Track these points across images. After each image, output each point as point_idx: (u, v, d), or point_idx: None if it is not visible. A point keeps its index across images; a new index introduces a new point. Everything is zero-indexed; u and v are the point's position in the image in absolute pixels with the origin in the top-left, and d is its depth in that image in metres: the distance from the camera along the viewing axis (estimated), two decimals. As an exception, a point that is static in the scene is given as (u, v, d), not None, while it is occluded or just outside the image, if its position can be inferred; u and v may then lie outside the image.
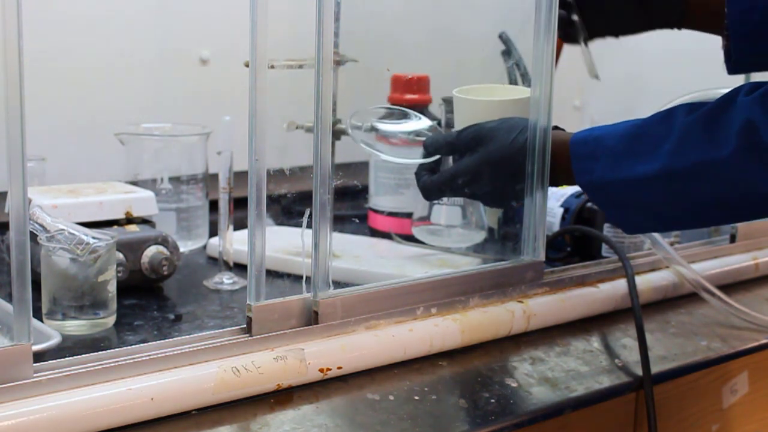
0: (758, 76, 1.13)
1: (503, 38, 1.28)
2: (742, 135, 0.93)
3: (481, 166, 1.08)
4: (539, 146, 1.09)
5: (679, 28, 1.15)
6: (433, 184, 1.12)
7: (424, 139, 1.15)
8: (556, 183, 1.12)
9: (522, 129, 1.08)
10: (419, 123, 1.20)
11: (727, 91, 0.98)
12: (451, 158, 1.14)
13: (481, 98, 1.16)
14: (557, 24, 1.08)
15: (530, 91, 1.11)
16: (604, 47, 1.28)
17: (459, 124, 1.15)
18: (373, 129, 1.19)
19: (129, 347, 0.87)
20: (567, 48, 1.28)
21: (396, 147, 1.19)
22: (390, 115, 1.22)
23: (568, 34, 1.23)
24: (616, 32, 1.21)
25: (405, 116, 1.21)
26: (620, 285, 1.19)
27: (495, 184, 1.10)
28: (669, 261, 1.24)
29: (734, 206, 1.00)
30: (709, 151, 0.96)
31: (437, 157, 1.14)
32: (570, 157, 1.06)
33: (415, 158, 1.15)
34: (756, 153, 0.93)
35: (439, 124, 1.25)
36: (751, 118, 0.93)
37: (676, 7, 1.13)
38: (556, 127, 1.11)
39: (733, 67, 1.09)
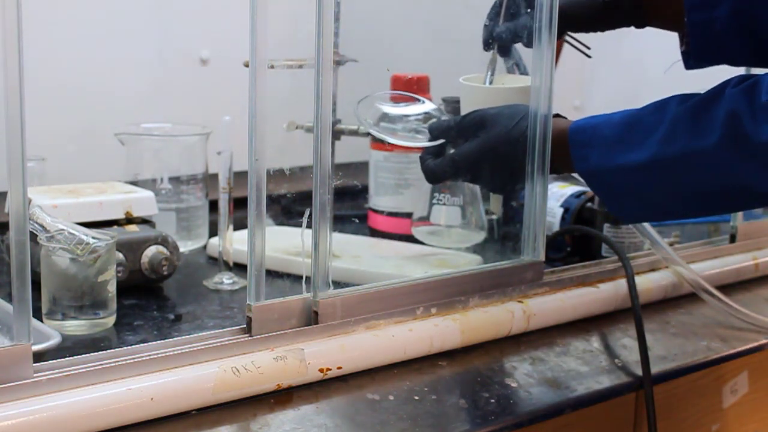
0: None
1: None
2: (726, 125, 0.95)
3: (482, 150, 1.10)
4: (539, 141, 1.09)
5: (643, 26, 1.18)
6: (437, 168, 1.13)
7: (428, 124, 1.17)
8: (557, 170, 1.13)
9: (524, 115, 1.09)
10: (425, 106, 1.20)
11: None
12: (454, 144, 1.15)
13: (486, 86, 1.17)
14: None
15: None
16: (605, 47, 1.28)
17: (464, 111, 1.16)
18: (382, 114, 1.19)
19: (129, 347, 0.87)
20: (567, 48, 1.28)
21: (402, 132, 1.19)
22: (396, 100, 1.23)
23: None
24: (583, 29, 1.23)
25: (412, 101, 1.21)
26: (620, 285, 1.19)
27: (496, 168, 1.11)
28: (668, 261, 1.24)
29: (719, 197, 1.02)
30: (695, 140, 0.97)
31: (441, 141, 1.15)
32: (569, 145, 1.06)
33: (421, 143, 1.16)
34: (738, 143, 0.94)
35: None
36: (736, 108, 0.94)
37: (637, 11, 1.16)
38: (557, 115, 1.12)
39: (690, 65, 1.13)
